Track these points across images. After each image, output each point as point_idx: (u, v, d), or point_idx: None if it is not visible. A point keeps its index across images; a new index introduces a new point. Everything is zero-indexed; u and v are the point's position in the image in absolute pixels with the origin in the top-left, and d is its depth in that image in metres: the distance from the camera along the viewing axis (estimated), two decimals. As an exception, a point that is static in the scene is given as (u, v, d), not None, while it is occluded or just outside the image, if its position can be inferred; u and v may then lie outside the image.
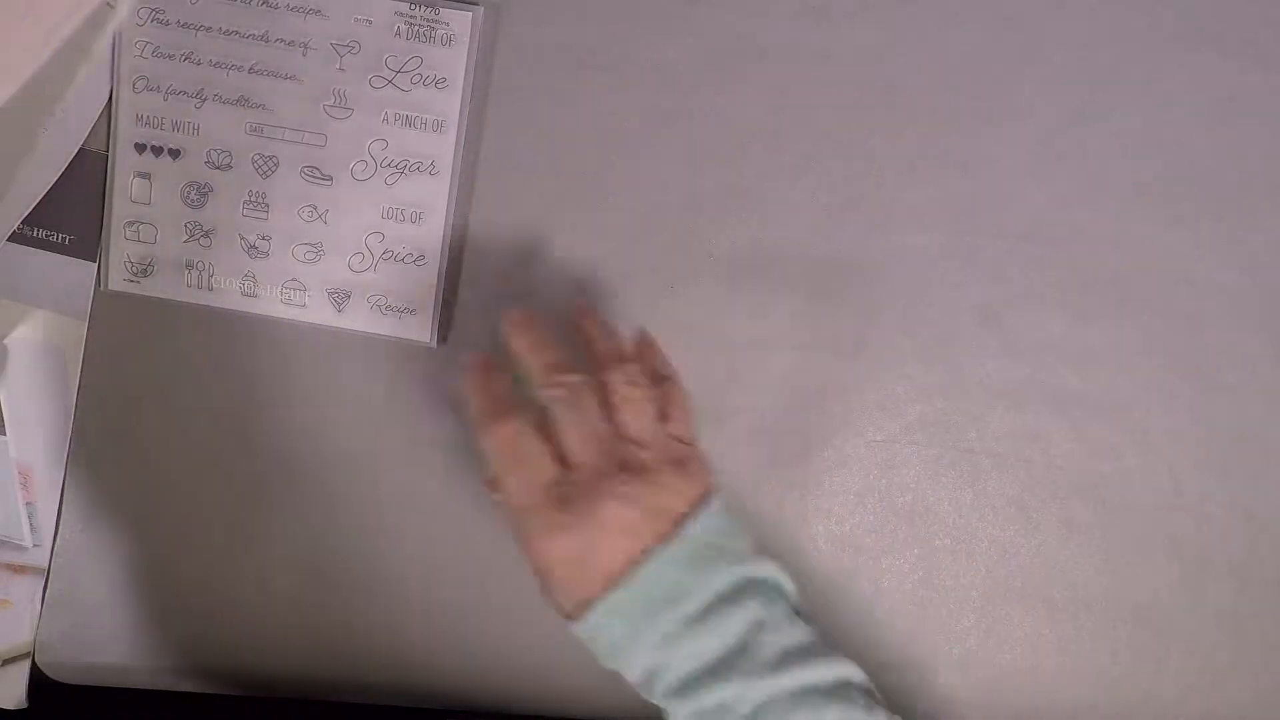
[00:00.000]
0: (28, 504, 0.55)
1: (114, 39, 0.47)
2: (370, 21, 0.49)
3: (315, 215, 0.50)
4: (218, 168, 0.51)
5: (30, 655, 0.55)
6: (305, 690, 0.55)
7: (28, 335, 0.55)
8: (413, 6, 0.49)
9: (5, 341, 0.55)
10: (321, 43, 0.49)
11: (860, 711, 0.39)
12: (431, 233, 0.51)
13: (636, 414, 0.40)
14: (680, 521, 0.39)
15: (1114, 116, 0.53)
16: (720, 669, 0.38)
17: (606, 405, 0.40)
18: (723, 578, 0.39)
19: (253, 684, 0.55)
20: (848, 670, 0.40)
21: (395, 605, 0.54)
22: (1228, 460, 0.54)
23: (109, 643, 0.54)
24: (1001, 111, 0.52)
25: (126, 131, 0.51)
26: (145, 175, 0.51)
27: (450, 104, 0.50)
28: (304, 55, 0.50)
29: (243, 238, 0.51)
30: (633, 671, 0.40)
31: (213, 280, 0.52)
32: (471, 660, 0.54)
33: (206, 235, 0.51)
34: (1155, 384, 0.53)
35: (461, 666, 0.54)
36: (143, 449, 0.54)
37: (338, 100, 0.50)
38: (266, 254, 0.51)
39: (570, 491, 0.39)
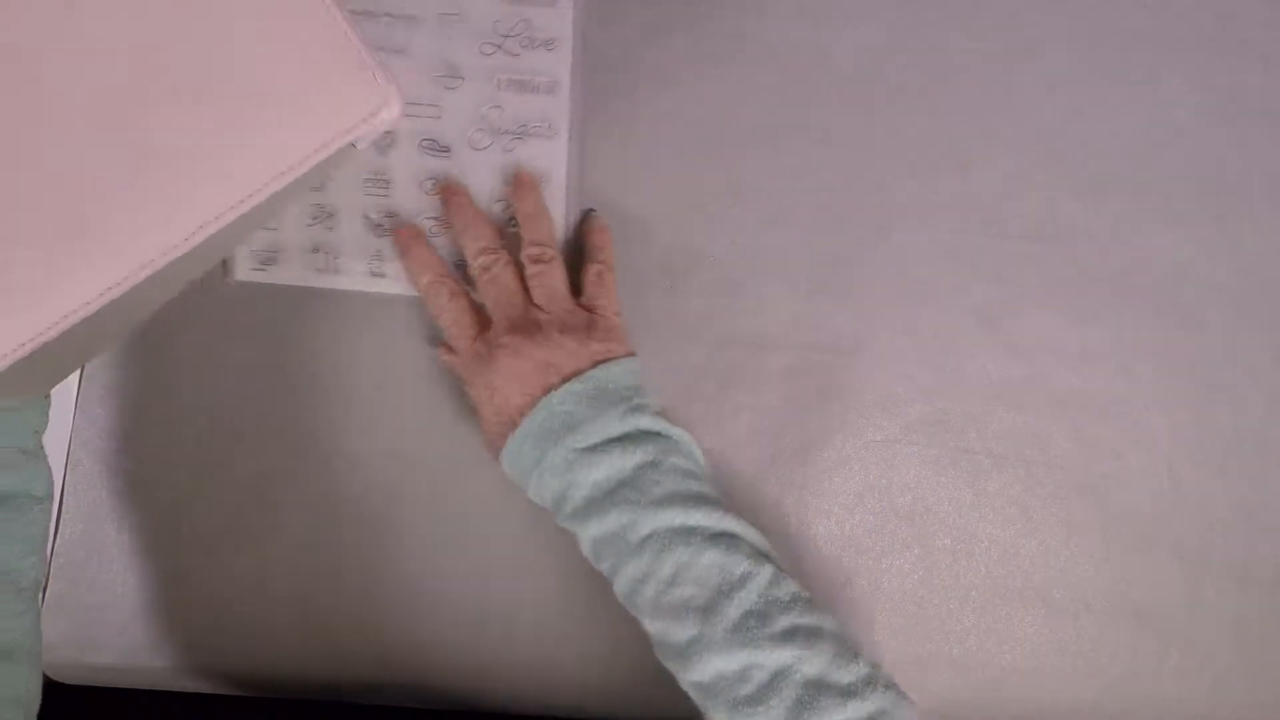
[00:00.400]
0: None
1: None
2: None
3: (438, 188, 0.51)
4: None
5: (30, 658, 0.55)
6: (306, 690, 0.55)
7: None
8: None
9: None
10: (428, 13, 0.50)
11: (744, 558, 0.40)
12: (554, 194, 0.50)
13: (539, 285, 0.47)
14: (569, 375, 0.44)
15: (1114, 116, 0.53)
16: (612, 498, 0.42)
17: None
18: (619, 421, 0.43)
19: (253, 684, 0.55)
20: (737, 527, 0.42)
21: (399, 605, 0.54)
22: (1227, 460, 0.54)
23: (109, 643, 0.54)
24: (1001, 112, 0.52)
25: None
26: None
27: (561, 64, 0.50)
28: (411, 28, 0.50)
29: (367, 216, 0.50)
30: (545, 498, 0.44)
31: (339, 262, 0.51)
32: (478, 661, 0.54)
33: (330, 216, 0.50)
34: (1155, 384, 0.54)
35: (468, 667, 0.54)
36: (144, 448, 0.54)
37: (449, 70, 0.50)
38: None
39: (480, 347, 0.46)
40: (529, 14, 0.50)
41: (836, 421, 0.54)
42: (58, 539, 0.54)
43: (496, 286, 0.47)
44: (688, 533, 0.41)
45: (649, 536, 0.41)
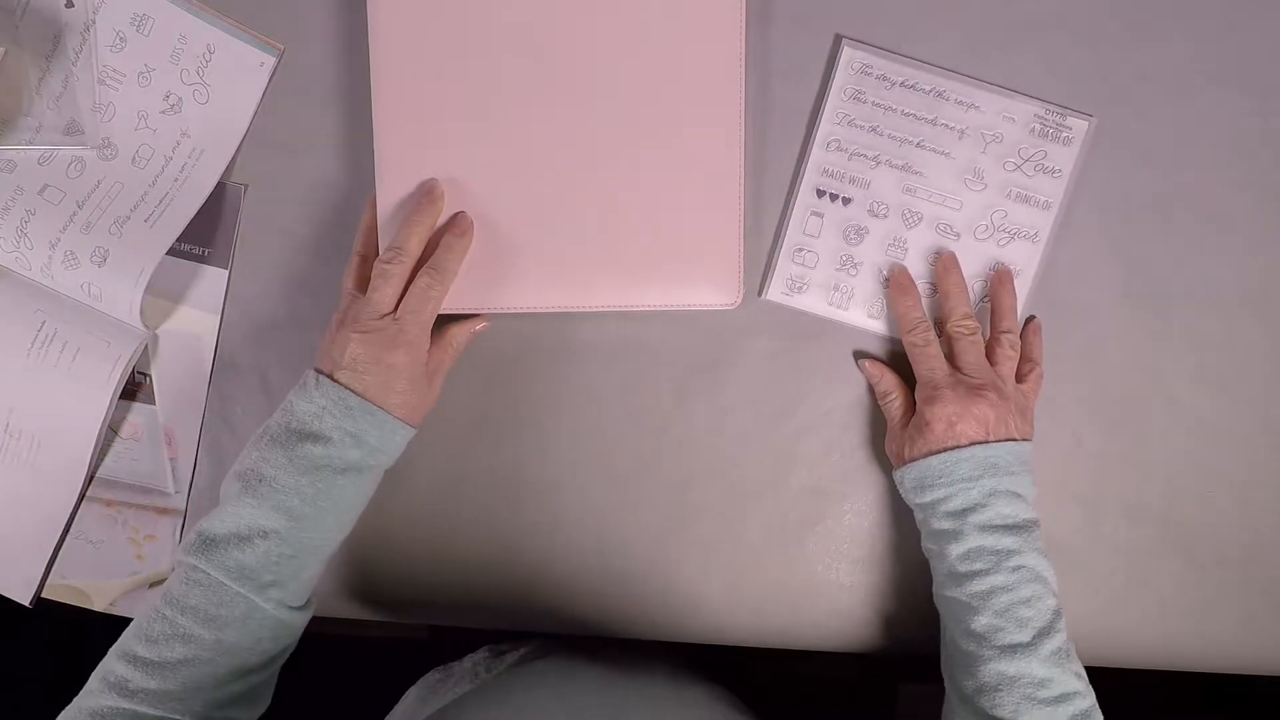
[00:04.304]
0: (171, 459, 0.65)
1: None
2: (1014, 119, 0.61)
3: (939, 262, 0.61)
4: (875, 216, 0.62)
5: (170, 580, 0.66)
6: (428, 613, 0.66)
7: (174, 327, 0.64)
8: (1048, 111, 0.61)
9: (157, 331, 0.64)
10: (974, 130, 0.61)
11: (1061, 615, 0.55)
12: (1023, 284, 0.62)
13: (1010, 367, 0.59)
14: (1014, 437, 0.56)
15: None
16: (1013, 531, 0.54)
17: (990, 351, 0.60)
18: (1031, 485, 0.56)
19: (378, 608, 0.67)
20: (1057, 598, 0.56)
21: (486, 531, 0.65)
22: (1116, 418, 0.64)
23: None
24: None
25: (812, 179, 0.62)
26: (819, 214, 0.62)
27: (1058, 190, 0.62)
28: (959, 138, 0.61)
29: (881, 271, 0.62)
30: (942, 497, 0.56)
31: (850, 302, 0.63)
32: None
33: (855, 267, 0.62)
34: (1063, 362, 0.63)
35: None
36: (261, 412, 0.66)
37: (976, 176, 0.61)
38: None
39: (965, 384, 0.57)
40: (1048, 148, 0.61)
41: (805, 391, 0.64)
42: (193, 487, 0.66)
43: (976, 347, 0.59)
44: (1043, 580, 0.54)
45: (1021, 567, 0.54)
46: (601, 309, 0.61)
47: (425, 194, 0.58)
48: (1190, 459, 0.64)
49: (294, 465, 0.51)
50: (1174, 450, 0.64)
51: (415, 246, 0.56)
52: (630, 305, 0.61)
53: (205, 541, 0.51)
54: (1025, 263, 0.63)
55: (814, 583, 0.65)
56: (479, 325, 0.61)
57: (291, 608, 0.53)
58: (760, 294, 0.63)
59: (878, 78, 0.61)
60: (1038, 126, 0.61)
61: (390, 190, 0.59)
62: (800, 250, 0.63)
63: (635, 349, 0.65)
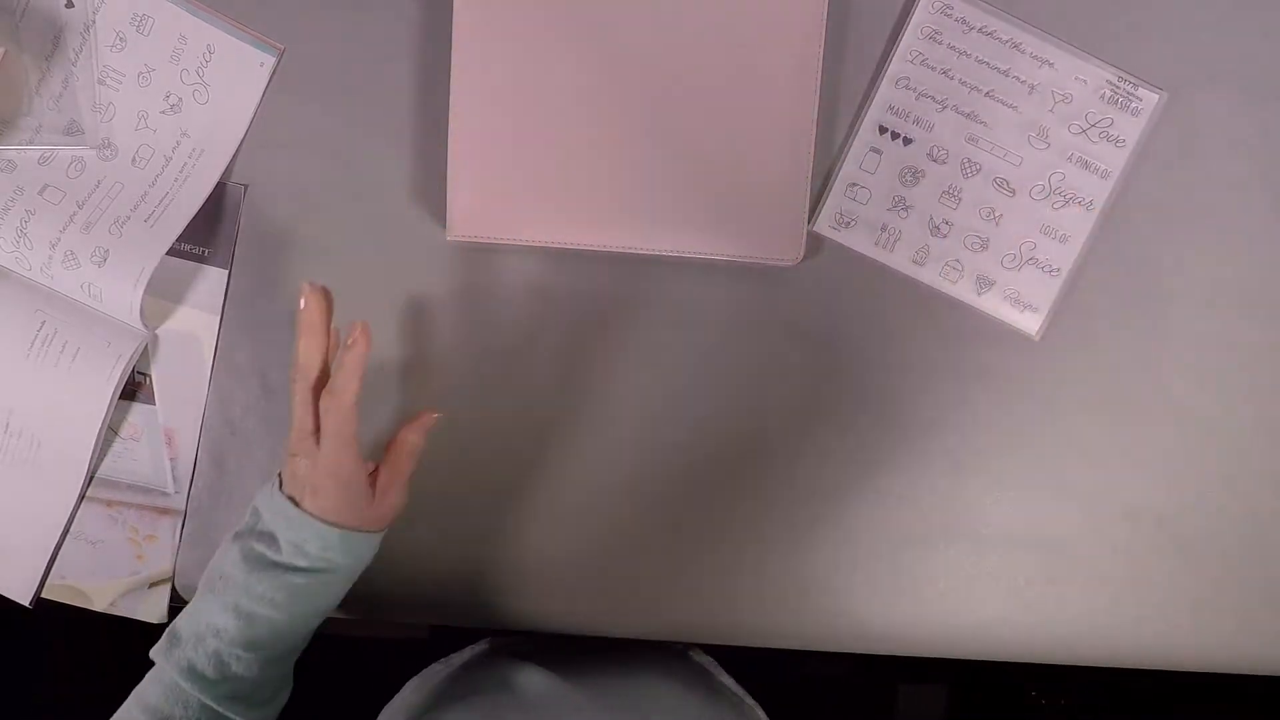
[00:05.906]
0: (171, 459, 0.65)
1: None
2: (1085, 82, 0.61)
3: (991, 216, 0.62)
4: (934, 160, 0.62)
5: (170, 580, 0.66)
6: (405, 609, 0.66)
7: (174, 327, 0.65)
8: (1120, 79, 0.61)
9: (157, 331, 0.64)
10: (1045, 88, 0.61)
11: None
12: (1070, 251, 0.62)
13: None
14: None
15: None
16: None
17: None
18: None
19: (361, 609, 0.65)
20: None
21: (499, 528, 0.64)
22: (1116, 417, 0.64)
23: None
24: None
25: (876, 114, 0.62)
26: (878, 151, 0.62)
27: (1119, 160, 0.61)
28: (1029, 93, 0.61)
29: (931, 218, 0.62)
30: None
31: (897, 244, 0.63)
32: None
33: (906, 210, 0.62)
34: (1055, 358, 0.63)
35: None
36: (257, 413, 0.66)
37: (1040, 134, 0.61)
38: (944, 236, 0.62)
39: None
40: (1115, 115, 0.61)
41: (806, 392, 0.64)
42: (193, 487, 0.66)
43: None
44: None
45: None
46: (660, 253, 0.61)
47: (302, 314, 0.54)
48: (1190, 459, 0.64)
49: (246, 563, 0.53)
50: (1174, 450, 0.64)
51: (308, 364, 0.54)
52: (690, 252, 0.61)
53: (170, 638, 0.54)
54: (1076, 230, 0.62)
55: (814, 582, 0.65)
56: (429, 421, 0.59)
57: (250, 706, 0.54)
58: (810, 225, 0.63)
59: (957, 20, 0.61)
60: (1108, 92, 0.61)
61: (466, 92, 0.60)
62: (854, 185, 0.63)
63: (636, 349, 0.64)
